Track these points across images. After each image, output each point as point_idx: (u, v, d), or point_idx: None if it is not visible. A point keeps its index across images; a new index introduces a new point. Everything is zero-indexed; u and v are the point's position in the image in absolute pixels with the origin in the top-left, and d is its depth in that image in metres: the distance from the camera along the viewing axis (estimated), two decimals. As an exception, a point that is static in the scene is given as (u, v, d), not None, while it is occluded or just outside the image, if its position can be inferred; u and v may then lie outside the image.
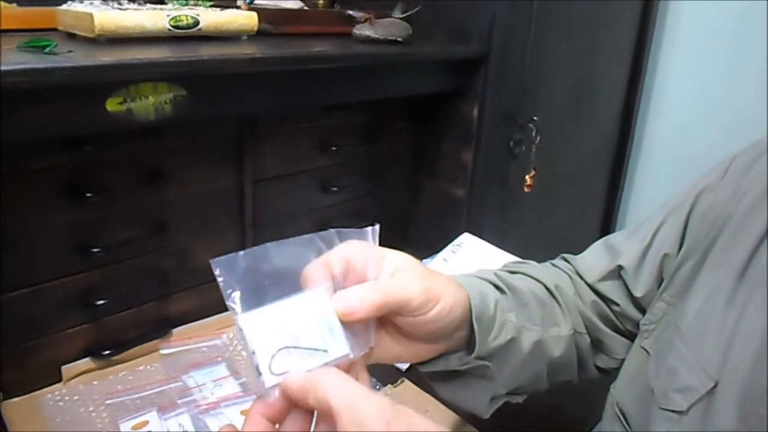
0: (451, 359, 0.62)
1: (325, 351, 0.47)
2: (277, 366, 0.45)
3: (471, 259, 1.29)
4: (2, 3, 1.07)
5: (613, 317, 0.78)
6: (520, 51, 1.38)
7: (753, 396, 0.55)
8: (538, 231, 1.69)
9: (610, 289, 0.77)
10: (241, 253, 0.48)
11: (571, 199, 1.85)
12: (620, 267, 0.77)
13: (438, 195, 1.50)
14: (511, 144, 1.46)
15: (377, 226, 0.52)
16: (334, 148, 1.30)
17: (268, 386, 0.45)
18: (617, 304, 0.76)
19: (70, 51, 0.79)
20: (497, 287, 0.68)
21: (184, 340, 1.13)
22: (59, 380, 1.03)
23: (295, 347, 0.46)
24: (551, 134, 1.51)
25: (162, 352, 1.11)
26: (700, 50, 1.86)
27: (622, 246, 0.79)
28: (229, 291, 0.47)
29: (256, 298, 0.47)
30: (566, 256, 0.87)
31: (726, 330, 0.59)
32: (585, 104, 1.74)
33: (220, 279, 0.47)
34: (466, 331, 0.61)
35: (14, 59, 0.74)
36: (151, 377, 1.05)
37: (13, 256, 0.93)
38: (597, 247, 0.83)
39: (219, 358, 1.09)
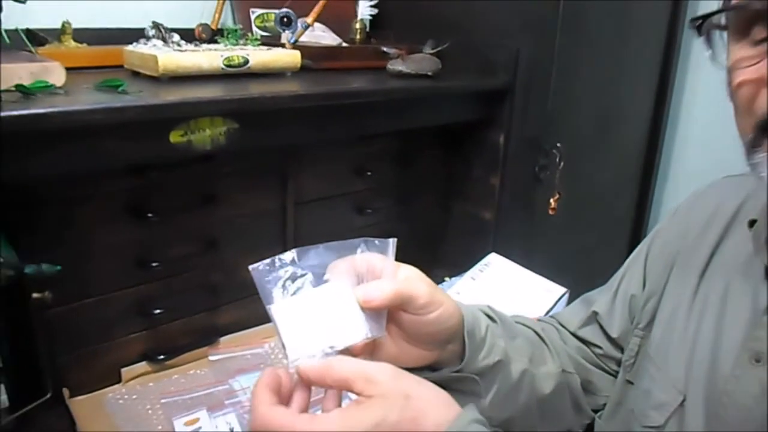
0: (443, 372, 0.68)
1: (345, 332, 0.56)
2: (302, 345, 0.54)
3: (498, 278, 1.35)
4: (75, 44, 1.21)
5: (597, 360, 0.85)
6: (544, 81, 1.46)
7: (713, 401, 0.63)
8: (564, 252, 1.76)
9: (591, 333, 0.85)
10: (273, 257, 0.58)
11: (597, 222, 1.91)
12: (595, 313, 0.85)
13: (466, 217, 1.59)
14: (536, 169, 1.54)
15: (395, 239, 0.62)
16: (368, 173, 1.41)
17: (293, 362, 0.54)
18: (599, 347, 0.84)
19: (140, 91, 0.91)
20: (489, 317, 0.75)
21: (231, 347, 1.24)
22: (119, 381, 1.15)
23: (318, 329, 0.55)
24: (576, 159, 1.59)
25: (210, 358, 1.21)
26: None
27: (595, 297, 0.88)
28: (262, 286, 0.57)
29: (283, 291, 0.57)
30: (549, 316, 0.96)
31: (686, 347, 0.68)
32: (610, 129, 1.81)
33: (255, 276, 0.57)
34: (458, 346, 0.68)
35: (93, 99, 0.86)
36: (201, 380, 1.16)
37: (81, 268, 1.06)
38: (575, 302, 0.92)
39: (262, 365, 1.20)
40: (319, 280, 0.59)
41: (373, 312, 0.58)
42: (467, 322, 0.67)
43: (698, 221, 0.75)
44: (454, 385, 0.67)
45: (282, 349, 0.55)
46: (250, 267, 0.57)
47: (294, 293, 0.57)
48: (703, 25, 0.58)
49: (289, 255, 0.58)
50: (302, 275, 0.58)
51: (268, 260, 0.58)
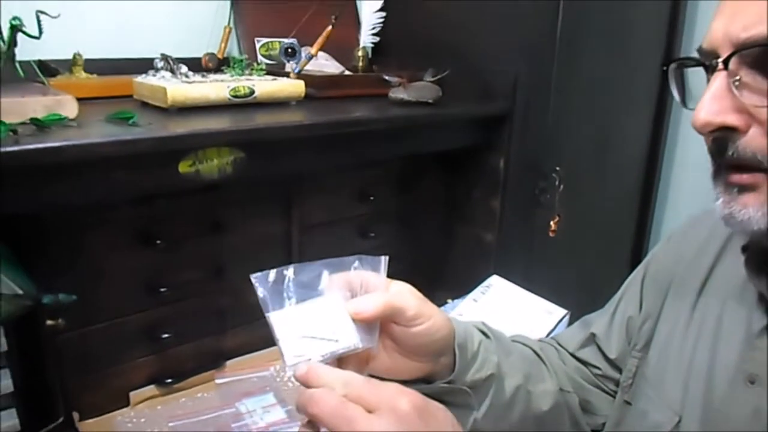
0: (435, 384, 0.70)
1: (337, 341, 0.59)
2: (297, 351, 0.57)
3: (499, 300, 1.37)
4: (86, 75, 1.25)
5: (596, 380, 0.87)
6: (542, 106, 1.50)
7: (709, 422, 0.65)
8: (565, 274, 1.78)
9: (589, 354, 0.88)
10: (274, 270, 0.61)
11: (597, 243, 1.94)
12: (593, 334, 0.87)
13: (468, 240, 1.62)
14: (536, 192, 1.57)
15: (387, 257, 0.64)
16: (371, 198, 1.44)
17: (290, 366, 0.57)
18: (598, 368, 0.86)
19: (150, 123, 0.94)
20: (483, 332, 0.78)
21: (237, 371, 1.26)
22: (127, 404, 1.17)
23: (313, 337, 0.58)
24: (575, 182, 1.62)
25: (217, 381, 1.23)
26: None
27: (593, 319, 0.90)
28: (263, 295, 0.60)
29: (282, 301, 0.60)
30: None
31: (682, 369, 0.70)
32: (608, 152, 1.84)
33: (256, 286, 0.60)
34: (450, 359, 0.70)
35: (105, 131, 0.89)
36: (207, 403, 1.18)
37: (91, 294, 1.08)
38: (574, 325, 0.94)
39: (267, 388, 1.22)
40: (315, 292, 0.62)
41: (365, 324, 0.60)
42: (458, 335, 0.69)
43: (693, 246, 0.77)
44: (447, 397, 0.68)
45: (280, 355, 0.58)
46: (252, 276, 0.60)
47: (292, 303, 0.60)
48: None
49: (289, 269, 0.62)
50: (300, 287, 0.61)
51: (268, 271, 0.61)
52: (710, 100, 0.55)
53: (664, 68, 0.65)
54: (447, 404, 0.62)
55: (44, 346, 1.01)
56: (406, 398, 0.53)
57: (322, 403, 0.51)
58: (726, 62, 0.54)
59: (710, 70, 0.57)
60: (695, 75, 0.63)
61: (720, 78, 0.55)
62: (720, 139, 0.56)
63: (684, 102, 0.65)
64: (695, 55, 0.60)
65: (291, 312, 0.60)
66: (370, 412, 0.51)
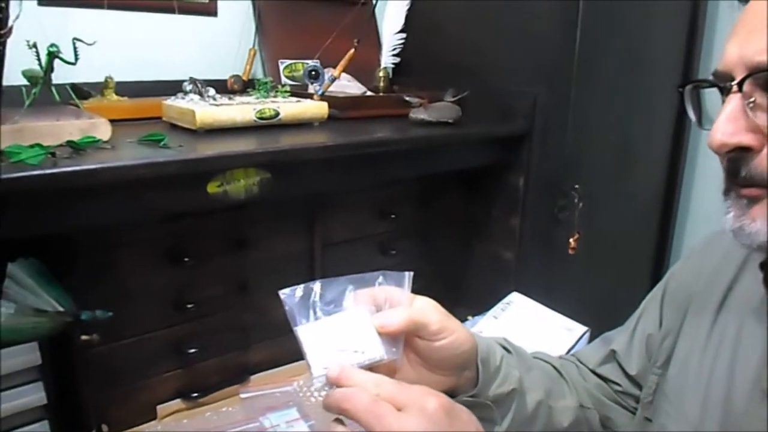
0: (459, 398, 0.70)
1: (363, 353, 0.61)
2: (325, 363, 0.60)
3: (520, 317, 1.38)
4: (117, 97, 1.29)
5: (616, 397, 0.88)
6: (561, 124, 1.51)
7: None
8: (585, 291, 1.78)
9: (610, 371, 0.89)
10: (301, 285, 0.64)
11: (617, 260, 1.94)
12: (614, 351, 0.88)
13: (488, 257, 1.63)
14: (556, 210, 1.58)
15: (411, 273, 0.67)
16: (392, 216, 1.46)
17: (316, 377, 0.60)
18: (618, 384, 0.87)
19: (180, 145, 0.97)
20: (504, 348, 0.79)
21: (261, 385, 1.28)
22: (155, 418, 1.19)
23: (339, 349, 0.61)
24: (595, 199, 1.63)
25: (242, 396, 1.26)
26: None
27: (614, 336, 0.91)
28: (290, 310, 0.63)
29: (309, 315, 0.63)
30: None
31: (701, 386, 0.71)
32: (628, 169, 1.85)
33: (284, 301, 0.63)
34: (473, 373, 0.71)
35: (138, 153, 0.93)
36: (232, 417, 1.20)
37: (120, 310, 1.10)
38: (595, 342, 0.96)
39: (291, 402, 1.24)
40: (341, 307, 0.64)
41: (390, 337, 0.63)
42: (481, 350, 0.71)
43: (712, 263, 0.78)
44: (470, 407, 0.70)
45: (308, 367, 0.61)
46: (280, 292, 0.63)
47: (318, 318, 0.63)
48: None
49: (316, 284, 0.65)
50: (326, 302, 0.64)
51: (295, 287, 0.64)
52: (725, 121, 0.57)
53: (680, 90, 0.66)
54: None
55: (76, 361, 1.04)
56: (434, 398, 0.56)
57: (355, 399, 0.55)
58: (740, 85, 0.56)
59: (725, 92, 0.58)
60: (712, 95, 0.64)
61: (734, 100, 0.56)
62: (734, 159, 0.58)
63: (700, 123, 0.66)
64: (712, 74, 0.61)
65: (318, 325, 0.62)
66: (399, 410, 0.54)
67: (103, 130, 0.97)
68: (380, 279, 0.67)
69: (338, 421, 0.58)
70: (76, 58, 1.01)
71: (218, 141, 1.05)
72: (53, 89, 1.02)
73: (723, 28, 1.94)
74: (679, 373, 0.76)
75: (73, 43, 1.01)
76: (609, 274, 1.90)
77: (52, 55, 0.99)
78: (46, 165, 0.81)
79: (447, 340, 0.66)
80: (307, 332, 0.62)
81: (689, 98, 0.66)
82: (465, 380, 0.71)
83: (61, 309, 0.88)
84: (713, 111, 0.61)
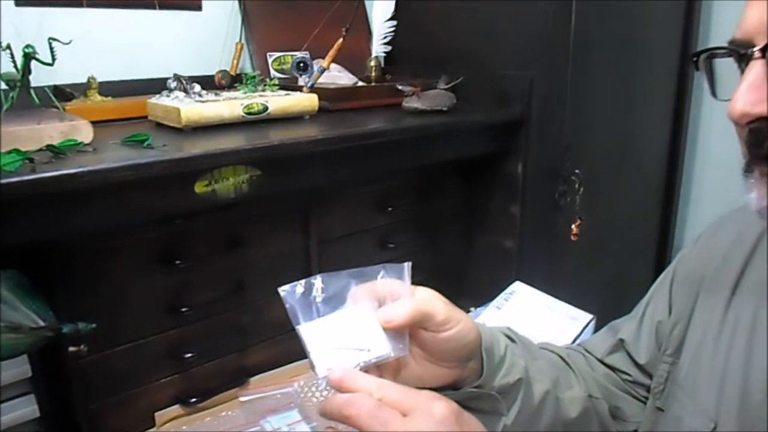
0: (464, 389, 0.69)
1: (369, 350, 0.59)
2: (329, 362, 0.57)
3: (523, 306, 1.36)
4: (100, 97, 1.26)
5: (626, 386, 0.85)
6: (559, 110, 1.48)
7: (746, 429, 0.63)
8: (588, 277, 1.75)
9: (618, 360, 0.86)
10: (302, 281, 0.61)
11: (621, 246, 1.91)
12: (622, 340, 0.86)
13: (489, 247, 1.60)
14: (556, 196, 1.55)
15: (410, 263, 0.64)
16: (390, 209, 1.43)
17: (321, 377, 0.57)
18: (627, 374, 0.85)
19: (164, 145, 0.94)
20: (509, 337, 0.77)
21: (261, 387, 1.25)
22: (153, 425, 1.17)
23: (344, 348, 0.58)
24: (595, 184, 1.59)
25: (241, 399, 1.23)
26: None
27: (621, 325, 0.89)
28: (291, 307, 0.60)
29: (311, 312, 0.60)
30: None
31: (716, 374, 0.68)
32: (628, 153, 1.81)
33: (284, 298, 0.60)
34: (478, 364, 0.69)
35: (121, 155, 0.89)
36: (232, 422, 1.18)
37: (114, 317, 1.08)
38: (601, 331, 0.93)
39: (292, 404, 1.21)
40: (343, 303, 0.61)
41: (394, 332, 0.60)
42: (485, 339, 0.69)
43: (722, 247, 0.75)
44: (476, 404, 0.68)
45: (311, 366, 0.58)
46: (280, 289, 0.60)
47: (320, 315, 0.60)
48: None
49: (317, 279, 0.61)
50: (328, 298, 0.61)
51: (296, 283, 0.61)
52: (747, 90, 0.53)
53: (694, 59, 0.63)
54: (476, 411, 0.64)
55: (68, 371, 1.01)
56: (442, 403, 0.53)
57: (359, 405, 0.52)
58: (764, 51, 0.53)
59: (745, 59, 0.55)
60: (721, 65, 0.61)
61: (757, 67, 0.53)
62: (757, 130, 0.54)
63: (714, 93, 0.63)
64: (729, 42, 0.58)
65: (321, 323, 0.60)
66: (405, 415, 0.52)
67: (84, 133, 0.94)
68: (382, 272, 0.64)
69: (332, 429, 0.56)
70: (53, 59, 0.98)
71: (205, 139, 1.01)
72: (32, 92, 0.99)
73: (720, 7, 1.90)
74: (692, 361, 0.73)
75: (50, 44, 0.98)
76: (612, 259, 1.87)
77: (28, 57, 0.96)
78: (24, 171, 0.78)
79: (453, 330, 0.63)
80: (309, 331, 0.59)
81: (703, 68, 0.63)
82: (470, 371, 0.69)
83: (41, 323, 0.85)
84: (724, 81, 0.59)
